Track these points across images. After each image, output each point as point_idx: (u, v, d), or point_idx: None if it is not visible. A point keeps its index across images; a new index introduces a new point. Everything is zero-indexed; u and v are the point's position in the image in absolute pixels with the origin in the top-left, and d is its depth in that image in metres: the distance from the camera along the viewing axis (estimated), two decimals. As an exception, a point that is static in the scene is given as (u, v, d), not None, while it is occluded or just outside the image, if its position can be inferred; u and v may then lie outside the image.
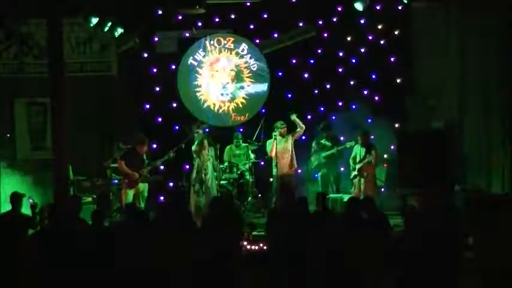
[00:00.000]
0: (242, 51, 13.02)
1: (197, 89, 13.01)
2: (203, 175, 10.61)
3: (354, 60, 12.65)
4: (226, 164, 11.65)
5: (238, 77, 13.04)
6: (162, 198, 11.23)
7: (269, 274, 7.06)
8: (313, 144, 11.56)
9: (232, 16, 12.78)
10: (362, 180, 10.53)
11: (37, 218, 7.73)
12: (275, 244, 7.21)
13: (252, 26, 12.85)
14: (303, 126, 11.08)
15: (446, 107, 11.56)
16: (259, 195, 11.90)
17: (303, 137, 12.15)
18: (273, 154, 10.98)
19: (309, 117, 12.50)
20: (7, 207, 7.99)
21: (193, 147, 10.83)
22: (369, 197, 8.03)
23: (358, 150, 10.87)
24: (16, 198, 7.72)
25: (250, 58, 13.02)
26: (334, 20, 12.51)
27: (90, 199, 10.78)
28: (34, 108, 12.38)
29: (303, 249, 6.78)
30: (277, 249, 7.07)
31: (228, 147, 11.83)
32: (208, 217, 7.62)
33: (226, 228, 7.01)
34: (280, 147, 10.98)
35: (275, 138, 11.03)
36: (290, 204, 7.76)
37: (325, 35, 12.71)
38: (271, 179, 11.43)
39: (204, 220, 7.72)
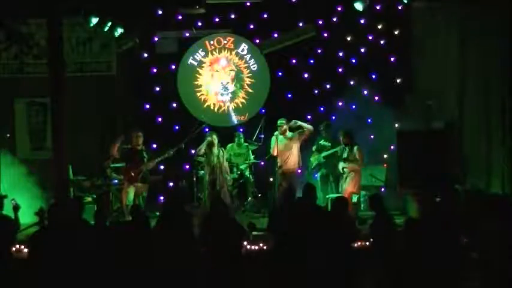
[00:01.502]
0: (242, 51, 13.03)
1: (197, 89, 13.02)
2: (214, 178, 10.58)
3: (354, 60, 12.65)
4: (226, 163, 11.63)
5: (238, 77, 13.05)
6: (162, 198, 11.26)
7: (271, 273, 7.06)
8: (313, 147, 11.51)
9: (232, 16, 12.79)
10: (348, 178, 10.47)
11: (19, 220, 7.67)
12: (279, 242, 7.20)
13: (252, 26, 12.86)
14: (310, 127, 10.83)
15: (446, 107, 11.56)
16: (259, 195, 11.90)
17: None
18: (275, 153, 10.95)
19: (309, 117, 12.51)
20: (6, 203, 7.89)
21: (202, 147, 10.78)
22: (377, 194, 7.99)
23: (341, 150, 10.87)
24: None
25: (250, 58, 13.02)
26: (334, 20, 12.52)
27: (90, 199, 10.79)
28: (34, 108, 12.40)
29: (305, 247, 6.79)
30: (282, 248, 7.06)
31: (229, 146, 11.79)
32: (207, 218, 7.60)
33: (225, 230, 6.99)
34: (282, 145, 10.84)
35: (276, 137, 11.00)
36: (290, 202, 7.75)
37: (325, 35, 12.72)
38: (271, 179, 11.42)
39: (203, 221, 7.70)
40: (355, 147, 10.33)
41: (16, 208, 7.72)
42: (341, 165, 10.61)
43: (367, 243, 8.25)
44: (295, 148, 10.79)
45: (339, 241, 6.84)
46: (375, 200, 7.59)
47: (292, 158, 10.78)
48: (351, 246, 7.22)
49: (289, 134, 10.82)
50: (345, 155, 10.47)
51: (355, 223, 8.44)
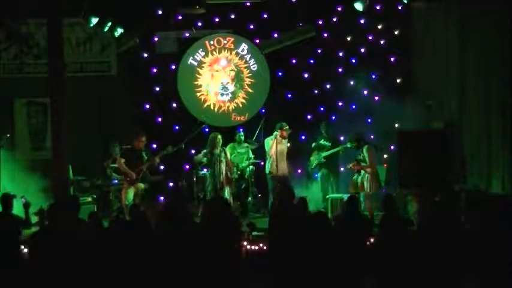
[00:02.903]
0: (242, 51, 13.02)
1: (197, 89, 13.01)
2: (217, 181, 10.59)
3: (354, 60, 12.65)
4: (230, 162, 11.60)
5: (238, 77, 13.04)
6: (162, 198, 11.26)
7: (269, 275, 7.06)
8: (313, 144, 11.55)
9: (232, 16, 12.78)
10: (359, 177, 10.45)
11: (30, 218, 7.68)
12: (276, 245, 7.21)
13: (252, 26, 12.85)
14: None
15: (446, 107, 11.56)
16: (259, 195, 11.90)
17: (303, 137, 12.17)
18: (272, 152, 10.98)
19: (309, 117, 12.52)
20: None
21: (205, 151, 10.84)
22: (388, 195, 7.99)
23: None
24: (6, 200, 7.53)
25: (250, 58, 13.01)
26: (334, 20, 12.52)
27: (90, 199, 10.78)
28: (34, 108, 12.41)
29: (303, 250, 6.78)
30: (278, 250, 7.07)
31: (229, 145, 11.78)
32: (205, 218, 7.61)
33: (223, 230, 6.98)
34: (280, 148, 10.99)
35: (276, 138, 11.02)
36: (290, 204, 7.75)
37: (325, 35, 12.72)
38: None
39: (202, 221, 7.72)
40: (364, 148, 10.33)
41: (27, 205, 7.74)
42: (349, 165, 10.70)
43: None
44: (285, 154, 11.11)
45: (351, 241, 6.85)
46: (387, 201, 7.56)
47: (283, 164, 11.07)
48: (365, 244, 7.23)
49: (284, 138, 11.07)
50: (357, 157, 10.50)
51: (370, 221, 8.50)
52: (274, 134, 11.10)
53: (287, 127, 11.08)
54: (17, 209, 7.83)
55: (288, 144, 11.31)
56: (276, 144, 10.96)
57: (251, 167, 11.70)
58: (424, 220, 7.44)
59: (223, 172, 10.74)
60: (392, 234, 7.01)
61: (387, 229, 7.15)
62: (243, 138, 11.85)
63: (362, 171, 10.25)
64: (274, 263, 7.08)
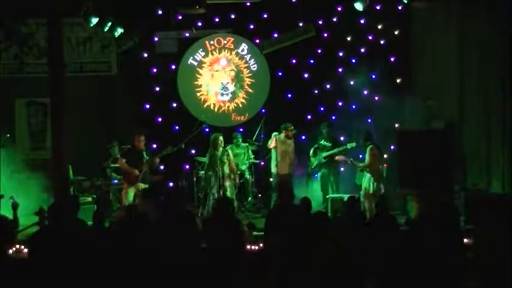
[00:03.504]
0: (242, 51, 13.03)
1: (197, 89, 13.02)
2: (219, 181, 10.59)
3: (354, 60, 12.65)
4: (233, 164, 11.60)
5: (238, 77, 13.05)
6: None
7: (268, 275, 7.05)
8: (314, 146, 11.54)
9: (232, 16, 12.80)
10: (366, 178, 10.47)
11: (18, 219, 7.63)
12: (274, 244, 7.20)
13: (252, 26, 12.86)
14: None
15: (446, 107, 11.56)
16: (259, 195, 11.90)
17: (303, 137, 12.17)
18: (272, 146, 10.98)
19: (309, 117, 12.52)
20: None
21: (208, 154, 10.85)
22: (382, 195, 7.99)
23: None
24: None
25: (250, 58, 13.02)
26: (334, 20, 12.53)
27: (90, 199, 10.78)
28: (34, 108, 12.41)
29: (303, 250, 6.77)
30: (277, 250, 7.06)
31: (228, 146, 11.80)
32: (209, 218, 7.61)
33: (226, 230, 6.98)
34: (283, 148, 11.00)
35: (275, 137, 11.01)
36: (289, 204, 7.74)
37: (325, 35, 12.72)
38: (271, 179, 11.43)
39: (205, 221, 7.71)
40: (367, 147, 10.32)
41: (15, 206, 7.71)
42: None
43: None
44: (288, 154, 11.06)
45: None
46: (380, 201, 7.57)
47: (285, 163, 11.02)
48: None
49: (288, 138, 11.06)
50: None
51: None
52: (273, 134, 11.09)
53: (292, 127, 11.08)
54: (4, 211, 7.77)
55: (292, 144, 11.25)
56: (275, 143, 10.96)
57: (250, 164, 11.71)
58: (423, 220, 7.43)
59: (227, 173, 10.74)
60: (385, 234, 7.02)
61: (379, 228, 7.16)
62: (240, 141, 11.83)
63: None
64: (272, 263, 7.07)
